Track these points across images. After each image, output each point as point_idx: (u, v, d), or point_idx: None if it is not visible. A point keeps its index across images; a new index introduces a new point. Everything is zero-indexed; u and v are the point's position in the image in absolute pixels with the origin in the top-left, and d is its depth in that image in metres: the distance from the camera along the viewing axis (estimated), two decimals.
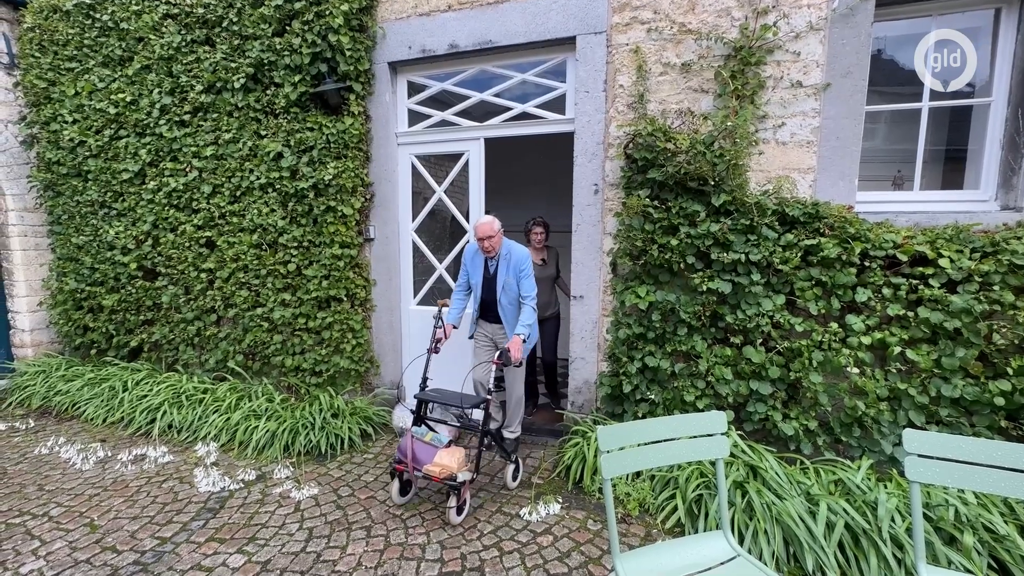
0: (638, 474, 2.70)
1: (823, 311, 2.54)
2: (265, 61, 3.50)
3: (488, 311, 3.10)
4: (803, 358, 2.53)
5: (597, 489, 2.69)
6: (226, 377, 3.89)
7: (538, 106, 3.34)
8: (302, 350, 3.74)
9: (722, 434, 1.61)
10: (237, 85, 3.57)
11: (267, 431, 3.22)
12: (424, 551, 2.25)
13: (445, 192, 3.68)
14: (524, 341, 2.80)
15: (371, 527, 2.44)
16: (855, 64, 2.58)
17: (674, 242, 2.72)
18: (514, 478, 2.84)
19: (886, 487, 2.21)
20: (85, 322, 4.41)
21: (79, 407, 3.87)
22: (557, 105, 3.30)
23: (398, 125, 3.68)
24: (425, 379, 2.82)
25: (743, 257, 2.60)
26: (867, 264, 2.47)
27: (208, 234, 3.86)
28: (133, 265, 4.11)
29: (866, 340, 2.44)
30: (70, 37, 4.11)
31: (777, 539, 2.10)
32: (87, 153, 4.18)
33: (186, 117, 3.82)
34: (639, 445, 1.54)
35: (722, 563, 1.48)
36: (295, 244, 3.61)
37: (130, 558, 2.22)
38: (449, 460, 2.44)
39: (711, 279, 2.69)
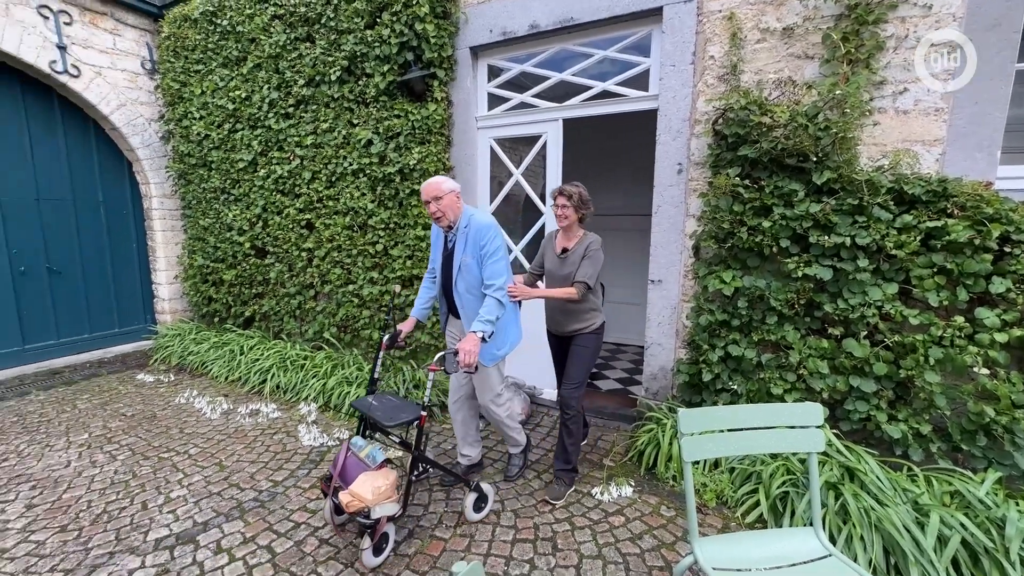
0: (716, 465, 2.61)
1: (946, 303, 2.24)
2: (358, 53, 3.73)
3: (451, 302, 2.48)
4: (917, 354, 2.26)
5: (671, 476, 2.64)
6: (322, 346, 4.30)
7: (619, 83, 3.24)
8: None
9: (817, 427, 1.51)
10: (333, 77, 3.85)
11: (358, 396, 3.53)
12: (499, 517, 2.37)
13: (523, 175, 3.72)
14: (484, 340, 2.13)
15: (449, 491, 2.61)
16: (1004, 15, 2.20)
17: (766, 224, 2.53)
18: (476, 509, 2.33)
19: (1018, 505, 1.94)
20: (209, 294, 5.09)
21: (207, 366, 4.51)
22: (639, 82, 3.17)
23: (478, 109, 3.76)
24: (373, 380, 2.38)
25: (848, 241, 2.36)
26: (1008, 250, 2.13)
27: (308, 216, 4.25)
28: (247, 244, 4.65)
29: (1000, 337, 2.12)
30: (197, 42, 4.67)
31: (876, 547, 1.93)
32: (211, 145, 4.76)
33: (290, 110, 4.20)
34: (723, 431, 1.50)
35: (812, 560, 1.41)
36: (382, 226, 3.87)
37: (250, 495, 2.58)
38: (364, 489, 1.90)
39: (808, 264, 2.48)
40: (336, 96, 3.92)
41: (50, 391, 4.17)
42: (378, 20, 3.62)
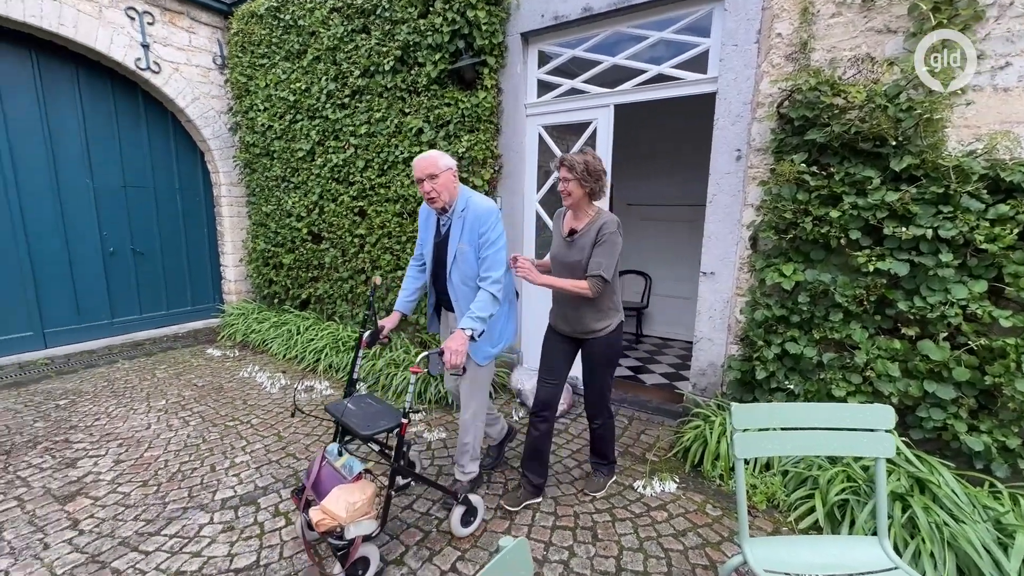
0: (768, 467, 2.49)
1: None
2: (411, 43, 3.79)
3: (442, 293, 2.26)
4: (1008, 360, 2.05)
5: (718, 476, 2.55)
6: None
7: (675, 66, 3.10)
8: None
9: (887, 431, 1.41)
10: (387, 67, 3.95)
11: (404, 379, 3.65)
12: (539, 504, 2.39)
13: None
14: (473, 339, 1.91)
15: (490, 475, 2.65)
16: None
17: (834, 214, 2.36)
18: (464, 523, 2.10)
19: None
20: (270, 276, 5.42)
21: (267, 344, 4.81)
22: (696, 64, 3.03)
23: (527, 96, 3.73)
24: (351, 383, 2.15)
25: (929, 233, 2.15)
26: None
27: (360, 204, 4.40)
28: (304, 230, 4.90)
29: None
30: (262, 37, 4.92)
31: (948, 565, 1.78)
32: (273, 136, 5.02)
33: (346, 100, 4.35)
34: (780, 429, 1.42)
35: (876, 572, 1.32)
36: None
37: (305, 464, 2.74)
38: (337, 505, 1.69)
39: (881, 258, 2.29)
40: (389, 86, 4.01)
41: (134, 360, 4.61)
42: (431, 9, 3.66)
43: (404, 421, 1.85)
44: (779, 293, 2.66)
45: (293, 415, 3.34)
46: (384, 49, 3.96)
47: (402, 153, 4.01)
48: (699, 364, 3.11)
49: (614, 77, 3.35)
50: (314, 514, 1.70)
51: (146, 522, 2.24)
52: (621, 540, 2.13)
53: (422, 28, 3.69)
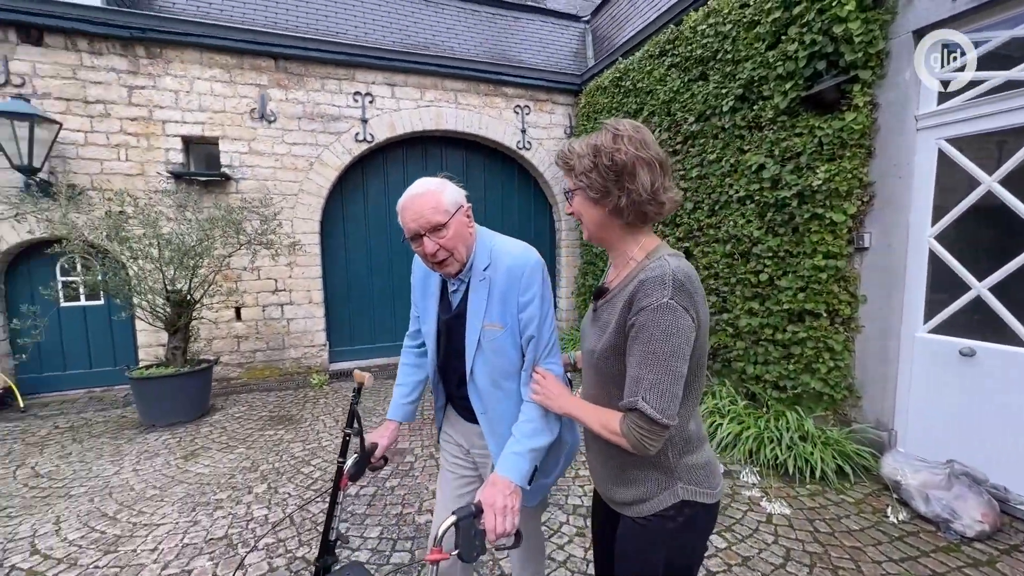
0: None
1: None
2: (755, 78, 3.64)
3: (454, 392, 1.45)
4: None
5: None
6: None
7: None
8: (765, 361, 3.70)
9: None
10: (725, 108, 3.90)
11: (730, 432, 3.41)
12: None
13: (1000, 182, 2.65)
14: (531, 482, 1.20)
15: None
16: None
17: None
18: None
19: None
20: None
21: None
22: None
23: (919, 106, 2.94)
24: (326, 543, 1.43)
25: None
26: None
27: (687, 245, 4.46)
28: None
29: None
30: (604, 105, 5.75)
31: None
32: None
33: (678, 147, 4.55)
34: None
35: None
36: (769, 254, 3.60)
37: None
38: None
39: None
40: (726, 126, 3.95)
41: None
42: (783, 37, 3.42)
43: None
44: None
45: None
46: (723, 91, 3.94)
47: (737, 192, 3.85)
48: None
49: None
50: None
51: None
52: None
53: (770, 60, 3.48)
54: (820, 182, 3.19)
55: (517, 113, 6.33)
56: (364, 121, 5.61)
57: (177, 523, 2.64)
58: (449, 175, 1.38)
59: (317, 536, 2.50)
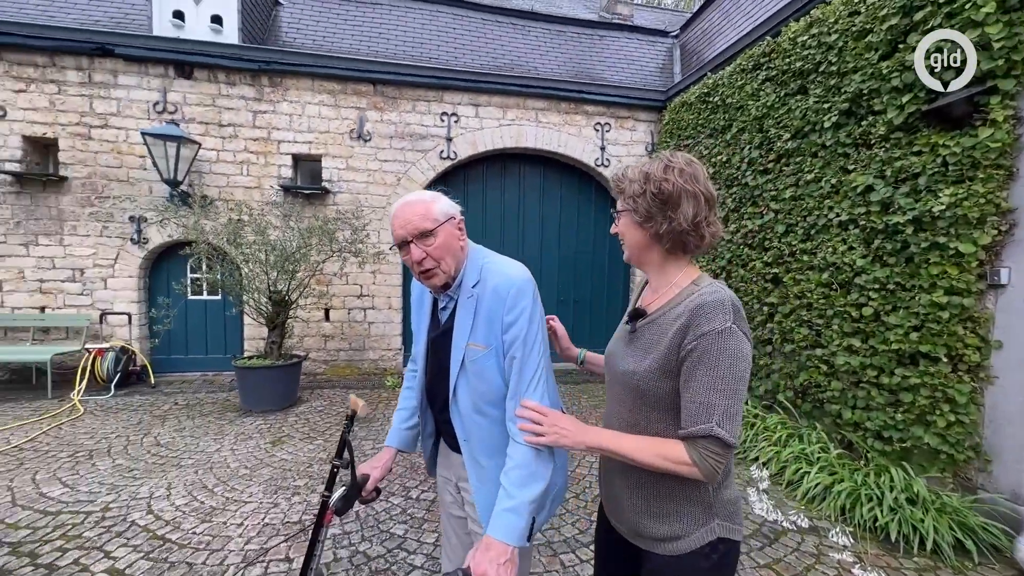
0: None
1: None
2: (864, 91, 3.29)
3: (439, 417, 1.39)
4: None
5: None
6: (773, 407, 4.01)
7: None
8: (867, 406, 3.27)
9: None
10: (827, 124, 3.57)
11: (819, 483, 3.04)
12: None
13: None
14: (530, 537, 1.10)
15: None
16: None
17: None
18: None
19: None
20: None
21: None
22: None
23: None
24: None
25: None
26: None
27: (775, 271, 4.11)
28: None
29: None
30: (689, 121, 5.53)
31: None
32: None
33: (769, 165, 4.23)
34: None
35: None
36: (876, 286, 3.19)
37: None
38: None
39: None
40: (828, 143, 3.60)
41: (567, 386, 5.99)
42: (900, 46, 3.07)
43: None
44: None
45: None
46: (825, 106, 3.61)
47: (838, 215, 3.48)
48: None
49: None
50: None
51: None
52: None
53: (884, 71, 3.13)
54: (943, 207, 2.78)
55: (597, 130, 6.30)
56: (449, 139, 5.92)
57: (261, 503, 2.92)
58: (445, 189, 1.44)
59: (380, 533, 2.63)
